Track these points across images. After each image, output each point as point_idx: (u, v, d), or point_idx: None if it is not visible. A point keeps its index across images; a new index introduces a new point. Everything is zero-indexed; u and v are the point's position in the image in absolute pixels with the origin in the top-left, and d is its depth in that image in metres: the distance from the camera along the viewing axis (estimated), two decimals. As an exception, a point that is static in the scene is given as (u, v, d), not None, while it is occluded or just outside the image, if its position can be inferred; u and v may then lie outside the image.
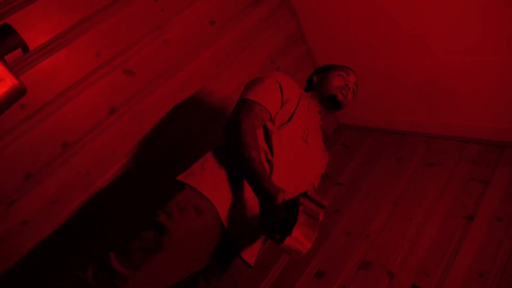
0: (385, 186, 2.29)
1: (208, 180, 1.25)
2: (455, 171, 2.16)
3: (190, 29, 1.96)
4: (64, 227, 1.62)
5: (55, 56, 1.55)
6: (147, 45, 1.81)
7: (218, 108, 2.13)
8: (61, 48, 1.56)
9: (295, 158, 1.39)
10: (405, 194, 2.18)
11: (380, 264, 1.89)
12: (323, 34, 2.45)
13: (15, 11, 1.42)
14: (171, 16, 1.88)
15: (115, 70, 1.72)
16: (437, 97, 2.23)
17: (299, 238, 0.92)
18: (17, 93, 1.14)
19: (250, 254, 1.32)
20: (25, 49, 1.13)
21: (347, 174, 2.51)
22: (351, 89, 1.60)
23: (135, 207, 1.81)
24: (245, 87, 1.45)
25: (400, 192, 2.20)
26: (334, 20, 2.32)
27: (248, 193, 1.28)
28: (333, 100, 1.57)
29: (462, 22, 1.82)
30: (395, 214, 2.10)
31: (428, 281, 1.72)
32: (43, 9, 1.49)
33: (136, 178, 1.83)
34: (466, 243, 1.80)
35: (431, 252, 1.84)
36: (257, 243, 1.34)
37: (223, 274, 1.25)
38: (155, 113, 1.87)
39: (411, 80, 2.26)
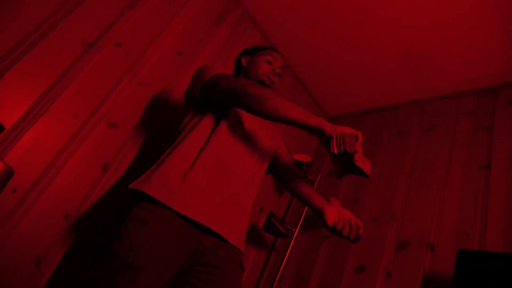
0: (395, 163, 2.26)
1: (164, 181, 1.17)
2: (457, 127, 2.14)
3: (160, 65, 1.92)
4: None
5: (34, 128, 1.48)
6: (122, 92, 1.76)
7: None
8: (38, 118, 1.50)
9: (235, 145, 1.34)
10: (416, 164, 2.15)
11: (416, 240, 1.84)
12: (292, 37, 2.45)
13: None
14: (137, 57, 1.84)
15: (97, 126, 1.67)
16: (418, 64, 2.23)
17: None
18: (5, 177, 1.07)
19: (238, 238, 1.26)
20: (1, 128, 1.07)
21: (353, 162, 2.47)
22: (277, 73, 1.61)
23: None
24: (195, 78, 1.38)
25: (411, 164, 2.17)
26: (303, 23, 2.32)
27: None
28: (262, 84, 1.56)
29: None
30: (413, 186, 2.06)
31: (470, 241, 1.67)
32: (10, 84, 1.44)
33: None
34: (492, 191, 1.77)
35: (462, 211, 1.79)
36: (242, 227, 1.31)
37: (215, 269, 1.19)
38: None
39: (390, 56, 2.26)
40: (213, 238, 1.20)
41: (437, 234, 1.79)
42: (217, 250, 1.21)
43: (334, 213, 1.26)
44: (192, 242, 1.16)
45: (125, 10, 1.83)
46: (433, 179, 2.01)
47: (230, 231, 1.23)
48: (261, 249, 2.30)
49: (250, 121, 1.41)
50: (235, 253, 1.26)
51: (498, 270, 1.36)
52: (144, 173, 1.24)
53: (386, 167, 2.27)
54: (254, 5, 2.36)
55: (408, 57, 2.21)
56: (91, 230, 1.60)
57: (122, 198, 1.66)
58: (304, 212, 2.22)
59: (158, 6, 1.95)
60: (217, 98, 1.29)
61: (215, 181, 1.23)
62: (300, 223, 2.19)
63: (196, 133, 1.29)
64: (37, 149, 1.48)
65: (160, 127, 1.88)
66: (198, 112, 1.38)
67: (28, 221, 1.44)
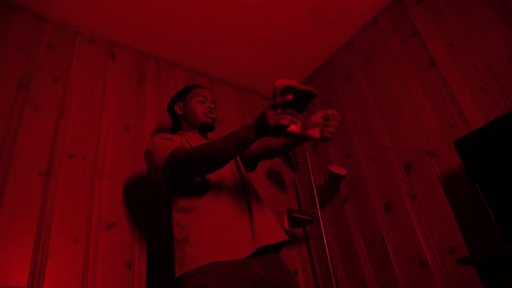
0: (358, 104, 2.38)
1: (190, 251, 1.23)
2: (390, 47, 2.29)
3: (118, 151, 1.95)
4: None
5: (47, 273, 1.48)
6: (104, 192, 1.78)
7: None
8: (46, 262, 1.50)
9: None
10: (377, 99, 2.28)
11: (416, 154, 1.96)
12: (203, 51, 2.52)
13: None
14: (94, 159, 1.85)
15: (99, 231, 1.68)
16: (326, 14, 2.35)
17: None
18: None
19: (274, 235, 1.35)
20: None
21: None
22: (213, 109, 1.71)
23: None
24: (146, 160, 1.45)
25: (372, 99, 2.30)
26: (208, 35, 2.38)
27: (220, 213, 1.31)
28: (207, 127, 1.67)
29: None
30: (387, 113, 2.19)
31: (456, 131, 1.80)
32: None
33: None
34: (448, 80, 1.92)
35: (435, 110, 1.93)
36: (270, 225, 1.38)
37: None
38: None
39: (301, 18, 2.37)
40: (258, 263, 1.26)
41: (429, 140, 1.92)
42: (269, 272, 1.26)
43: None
44: (247, 277, 1.21)
45: (59, 121, 1.84)
46: (400, 100, 2.14)
47: (264, 236, 1.29)
48: (300, 246, 2.37)
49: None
50: (283, 265, 1.34)
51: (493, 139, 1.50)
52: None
53: (352, 111, 2.40)
54: (165, 51, 2.42)
55: (315, 11, 2.33)
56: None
57: None
58: (315, 191, 2.30)
59: (84, 99, 1.97)
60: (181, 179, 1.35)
61: (220, 222, 1.29)
62: (317, 203, 2.26)
63: (183, 214, 1.33)
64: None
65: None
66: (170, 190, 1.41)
67: None
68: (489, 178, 1.48)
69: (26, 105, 1.78)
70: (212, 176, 1.39)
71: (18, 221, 1.53)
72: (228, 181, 1.42)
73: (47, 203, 1.63)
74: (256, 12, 2.27)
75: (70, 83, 1.97)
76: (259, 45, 2.50)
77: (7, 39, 1.88)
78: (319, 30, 2.47)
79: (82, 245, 1.63)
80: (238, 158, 1.59)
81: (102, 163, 1.86)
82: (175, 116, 1.74)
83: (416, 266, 1.79)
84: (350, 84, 2.50)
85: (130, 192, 1.88)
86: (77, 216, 1.68)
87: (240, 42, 2.47)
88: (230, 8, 2.22)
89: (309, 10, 2.31)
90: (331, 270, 2.03)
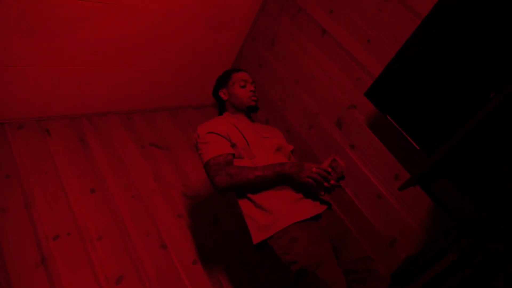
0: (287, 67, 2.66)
1: (268, 218, 1.54)
2: (281, 26, 2.56)
3: (92, 211, 2.07)
4: None
5: None
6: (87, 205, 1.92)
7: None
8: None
9: (269, 150, 1.79)
10: (293, 75, 2.56)
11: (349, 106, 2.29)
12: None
13: None
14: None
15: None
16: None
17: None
18: None
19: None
20: None
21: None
22: (254, 91, 1.97)
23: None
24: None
25: (288, 76, 2.59)
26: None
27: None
28: (253, 109, 1.95)
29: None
30: (303, 89, 2.49)
31: (363, 83, 2.14)
32: None
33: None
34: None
35: (345, 72, 2.26)
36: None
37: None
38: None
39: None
40: (321, 218, 1.64)
41: (347, 96, 2.25)
42: (329, 219, 1.66)
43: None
44: (319, 226, 1.58)
45: (30, 211, 1.92)
46: (311, 70, 2.44)
47: (318, 203, 1.68)
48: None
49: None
50: (334, 215, 1.75)
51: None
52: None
53: (276, 92, 2.68)
54: (91, 106, 2.51)
55: (211, 20, 2.53)
56: None
57: None
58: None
59: (42, 183, 2.05)
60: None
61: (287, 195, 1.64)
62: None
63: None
64: None
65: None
66: None
67: None
68: (395, 108, 1.83)
69: (-6, 211, 1.85)
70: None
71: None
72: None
73: (56, 285, 1.75)
74: (163, 37, 2.41)
75: (22, 174, 2.04)
76: (177, 67, 2.66)
77: None
78: (218, 32, 2.67)
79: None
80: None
81: (86, 231, 1.99)
82: (221, 101, 1.98)
83: (375, 199, 2.15)
84: (265, 70, 2.76)
85: (124, 246, 2.03)
86: (87, 284, 1.82)
87: (158, 73, 2.61)
88: (139, 44, 2.35)
89: (206, 20, 2.51)
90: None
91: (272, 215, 1.54)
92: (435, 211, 1.89)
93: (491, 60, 1.48)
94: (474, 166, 1.34)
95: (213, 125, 1.74)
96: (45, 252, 1.84)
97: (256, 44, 2.80)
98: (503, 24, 1.42)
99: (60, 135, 2.33)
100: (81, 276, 1.83)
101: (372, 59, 2.10)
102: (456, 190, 1.38)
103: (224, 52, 2.85)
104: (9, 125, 2.22)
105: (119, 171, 2.33)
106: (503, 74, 1.43)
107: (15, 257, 1.76)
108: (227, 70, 2.09)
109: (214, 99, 2.06)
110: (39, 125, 2.32)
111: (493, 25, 1.45)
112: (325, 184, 1.55)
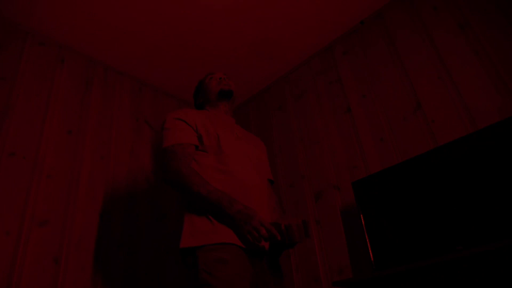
0: (285, 133, 2.69)
1: (208, 227, 1.38)
2: (316, 87, 2.62)
3: (57, 150, 2.07)
4: None
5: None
6: (39, 192, 1.90)
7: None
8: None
9: (241, 155, 1.58)
10: (302, 131, 2.60)
11: (327, 186, 2.30)
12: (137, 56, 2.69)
13: None
14: (35, 156, 1.96)
15: (31, 229, 1.80)
16: (267, 49, 2.63)
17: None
18: None
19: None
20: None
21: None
22: (225, 78, 1.81)
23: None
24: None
25: (297, 130, 2.62)
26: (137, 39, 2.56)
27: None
28: (223, 93, 1.76)
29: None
30: (308, 147, 2.51)
31: (360, 171, 2.17)
32: None
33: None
34: (359, 128, 2.28)
35: (347, 154, 2.29)
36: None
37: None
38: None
39: (240, 48, 2.63)
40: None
41: (338, 175, 2.27)
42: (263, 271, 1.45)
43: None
44: (250, 269, 1.36)
45: (4, 118, 1.92)
46: (319, 136, 2.48)
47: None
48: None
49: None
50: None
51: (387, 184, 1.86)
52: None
53: (280, 138, 2.71)
54: (114, 60, 2.56)
55: (257, 45, 2.60)
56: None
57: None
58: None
59: (29, 100, 2.06)
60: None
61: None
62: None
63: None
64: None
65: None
66: None
67: None
68: (372, 214, 1.84)
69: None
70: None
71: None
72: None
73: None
74: (202, 36, 2.49)
75: (17, 84, 2.05)
76: (203, 67, 2.70)
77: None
78: (260, 61, 2.75)
79: (14, 238, 1.74)
80: None
81: (41, 164, 1.97)
82: (200, 105, 1.85)
83: (311, 282, 2.12)
84: (280, 114, 2.81)
85: (66, 193, 2.01)
86: (12, 211, 1.78)
87: (186, 61, 2.67)
88: (179, 32, 2.42)
89: (252, 43, 2.58)
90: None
91: (214, 226, 1.38)
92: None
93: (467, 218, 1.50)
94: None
95: (183, 112, 1.60)
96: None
97: (286, 87, 2.85)
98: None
99: (71, 69, 2.36)
100: (12, 201, 1.80)
101: (376, 156, 2.13)
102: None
103: (255, 78, 2.91)
104: (32, 36, 2.25)
105: (102, 128, 2.33)
106: (476, 233, 1.45)
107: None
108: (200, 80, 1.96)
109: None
110: (59, 51, 2.34)
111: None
112: (261, 243, 1.35)
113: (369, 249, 1.76)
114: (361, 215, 1.86)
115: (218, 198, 1.36)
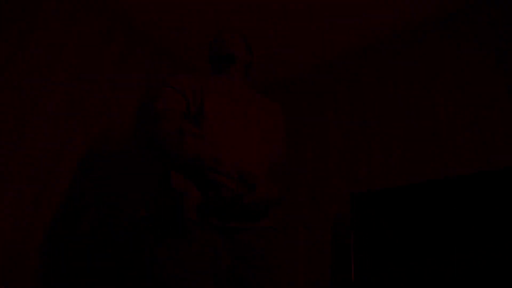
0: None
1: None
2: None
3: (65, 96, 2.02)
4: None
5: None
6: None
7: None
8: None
9: (229, 119, 1.34)
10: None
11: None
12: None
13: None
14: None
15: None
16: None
17: None
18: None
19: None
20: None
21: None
22: (231, 38, 1.55)
23: None
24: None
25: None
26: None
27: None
28: (221, 58, 1.53)
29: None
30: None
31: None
32: None
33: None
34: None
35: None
36: None
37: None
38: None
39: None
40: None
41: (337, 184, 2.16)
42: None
43: None
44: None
45: None
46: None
47: None
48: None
49: None
50: None
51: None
52: None
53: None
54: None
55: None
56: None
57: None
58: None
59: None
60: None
61: None
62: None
63: None
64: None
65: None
66: None
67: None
68: (363, 233, 1.73)
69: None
70: None
71: None
72: None
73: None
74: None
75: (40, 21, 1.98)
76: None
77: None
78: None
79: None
80: None
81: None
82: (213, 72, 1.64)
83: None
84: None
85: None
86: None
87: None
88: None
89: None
90: None
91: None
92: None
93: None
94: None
95: (174, 79, 1.42)
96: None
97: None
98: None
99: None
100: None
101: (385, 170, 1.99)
102: None
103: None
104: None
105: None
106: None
107: None
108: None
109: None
110: None
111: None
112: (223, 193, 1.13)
113: (352, 269, 1.67)
114: (352, 233, 1.75)
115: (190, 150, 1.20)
